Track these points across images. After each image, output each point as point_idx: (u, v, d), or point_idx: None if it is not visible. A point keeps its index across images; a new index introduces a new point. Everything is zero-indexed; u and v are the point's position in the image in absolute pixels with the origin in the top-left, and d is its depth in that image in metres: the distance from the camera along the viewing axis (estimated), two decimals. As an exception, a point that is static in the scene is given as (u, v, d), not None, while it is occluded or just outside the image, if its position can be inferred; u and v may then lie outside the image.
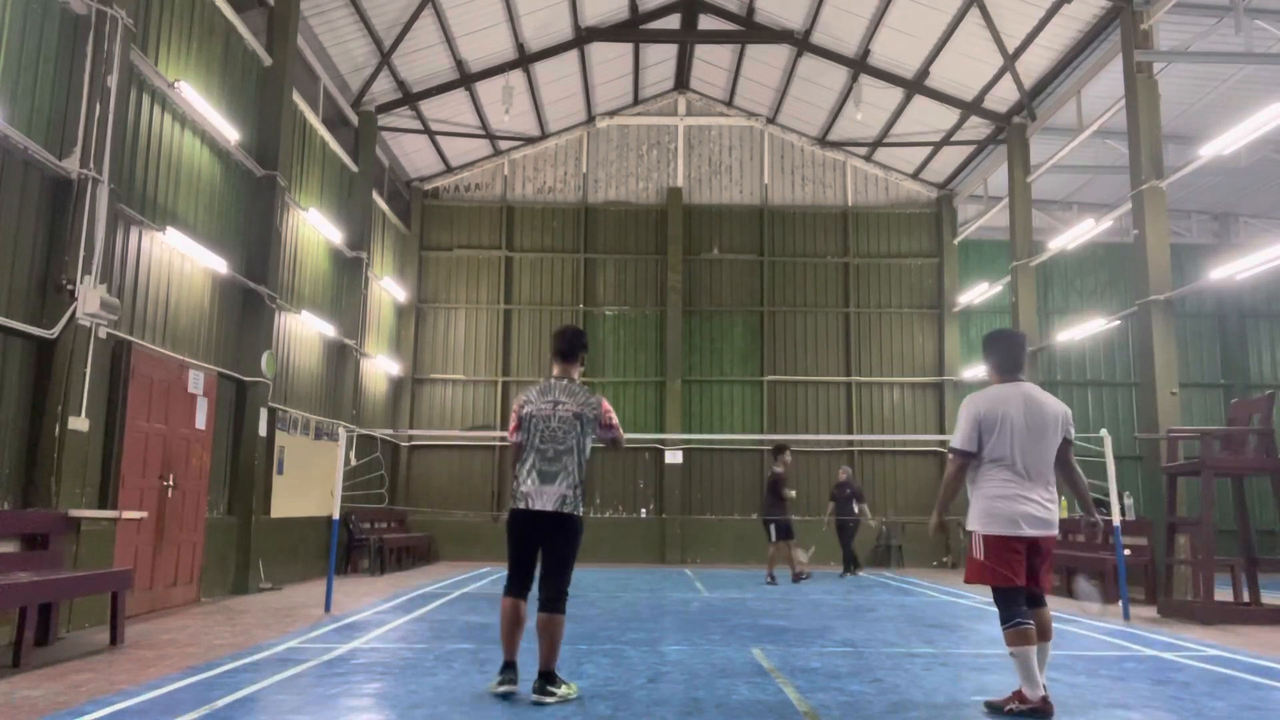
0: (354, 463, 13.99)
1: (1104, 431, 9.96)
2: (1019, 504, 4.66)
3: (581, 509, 5.13)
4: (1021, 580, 4.65)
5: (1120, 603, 9.41)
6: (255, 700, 4.89)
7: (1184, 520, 10.19)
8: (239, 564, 10.70)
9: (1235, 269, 11.62)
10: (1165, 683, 5.70)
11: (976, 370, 18.28)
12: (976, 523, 4.75)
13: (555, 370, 5.40)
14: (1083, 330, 15.26)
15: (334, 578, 9.53)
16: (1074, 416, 5.07)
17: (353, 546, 14.22)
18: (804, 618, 8.98)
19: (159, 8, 9.14)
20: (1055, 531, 4.74)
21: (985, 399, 4.86)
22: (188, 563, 9.48)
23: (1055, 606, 10.44)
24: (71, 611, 7.28)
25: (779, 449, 14.11)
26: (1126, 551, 10.08)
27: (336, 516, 9.50)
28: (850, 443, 18.34)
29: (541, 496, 5.02)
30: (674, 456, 18.22)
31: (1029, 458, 4.71)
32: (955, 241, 19.20)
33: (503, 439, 18.37)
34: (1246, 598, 9.55)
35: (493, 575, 13.84)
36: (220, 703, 4.78)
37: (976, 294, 17.97)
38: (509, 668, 5.06)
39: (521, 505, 5.06)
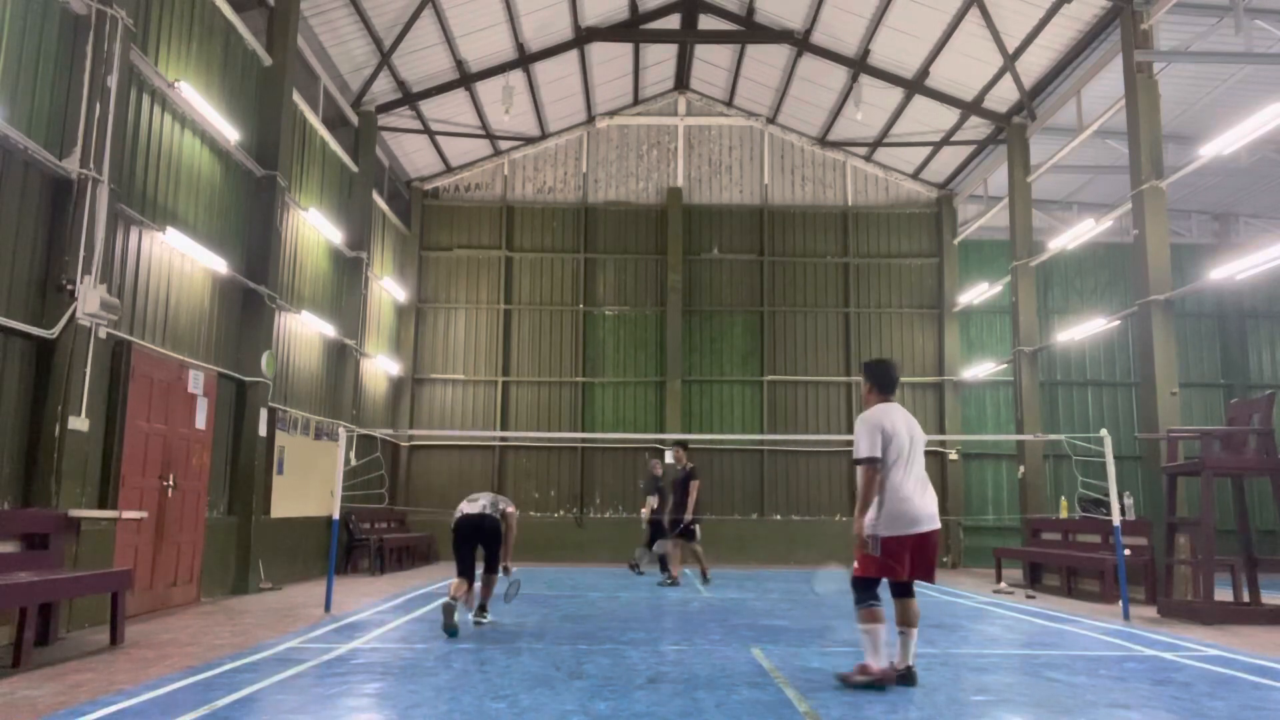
0: (354, 463, 13.98)
1: (1104, 431, 9.96)
2: (915, 505, 5.34)
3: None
4: (904, 573, 5.34)
5: (1121, 603, 9.43)
6: (255, 700, 4.89)
7: (1184, 520, 10.20)
8: (239, 564, 10.70)
9: (1235, 269, 11.61)
10: (1165, 683, 5.69)
11: (976, 370, 18.29)
12: (883, 527, 5.34)
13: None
14: (1083, 330, 15.25)
15: (334, 578, 9.53)
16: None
17: (353, 546, 14.22)
18: (804, 618, 8.98)
19: (159, 8, 9.14)
20: (939, 525, 5.49)
21: (879, 413, 5.50)
22: (188, 563, 9.49)
23: (1056, 606, 10.50)
24: (71, 611, 7.27)
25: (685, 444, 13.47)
26: (1126, 551, 10.08)
27: (336, 516, 9.50)
28: (850, 443, 18.27)
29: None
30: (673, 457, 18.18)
31: (915, 464, 5.44)
32: (955, 241, 19.20)
33: (503, 438, 18.40)
34: (1246, 598, 9.55)
35: (493, 575, 13.81)
36: (220, 703, 4.78)
37: (976, 294, 17.96)
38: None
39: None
